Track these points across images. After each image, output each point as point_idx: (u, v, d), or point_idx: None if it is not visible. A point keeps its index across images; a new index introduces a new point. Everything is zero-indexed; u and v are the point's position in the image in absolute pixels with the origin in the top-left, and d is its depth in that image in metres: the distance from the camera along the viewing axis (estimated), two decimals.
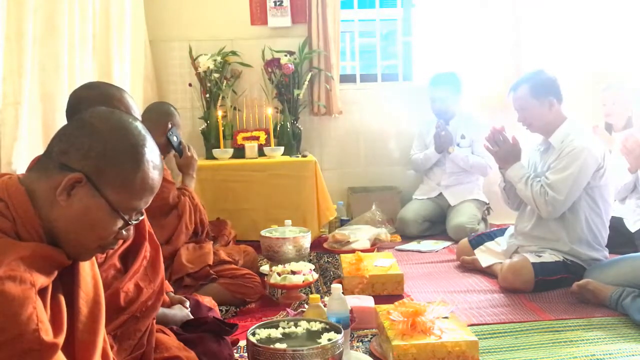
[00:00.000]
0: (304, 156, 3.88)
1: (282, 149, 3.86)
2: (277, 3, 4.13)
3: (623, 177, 2.99)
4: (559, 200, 2.62)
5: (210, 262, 2.60)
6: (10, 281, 0.95)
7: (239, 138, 3.98)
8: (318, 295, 1.90)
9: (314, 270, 2.67)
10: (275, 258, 2.81)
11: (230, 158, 3.87)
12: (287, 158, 3.84)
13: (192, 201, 2.73)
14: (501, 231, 3.10)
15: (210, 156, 3.93)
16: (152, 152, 1.14)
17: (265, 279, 2.68)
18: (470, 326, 2.09)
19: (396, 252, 3.44)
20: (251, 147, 3.87)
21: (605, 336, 2.12)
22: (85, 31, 2.93)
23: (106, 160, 1.08)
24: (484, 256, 2.99)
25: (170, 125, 2.77)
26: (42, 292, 1.00)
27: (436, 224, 3.98)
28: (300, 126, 4.08)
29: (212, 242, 2.82)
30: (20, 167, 2.27)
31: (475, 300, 2.57)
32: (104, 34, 3.19)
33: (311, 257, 3.29)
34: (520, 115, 2.79)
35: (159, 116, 2.78)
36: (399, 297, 2.55)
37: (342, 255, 2.97)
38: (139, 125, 1.15)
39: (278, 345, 1.56)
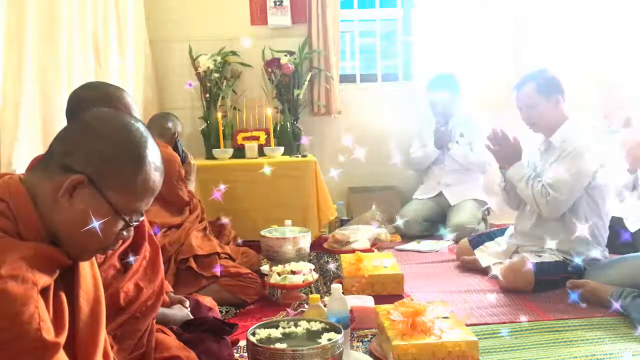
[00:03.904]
0: (304, 156, 3.88)
1: (282, 149, 3.86)
2: (277, 3, 4.14)
3: (623, 177, 3.00)
4: (561, 200, 2.62)
5: (219, 251, 2.70)
6: (13, 280, 0.95)
7: (239, 138, 3.98)
8: (318, 295, 1.90)
9: (314, 270, 2.67)
10: (275, 258, 2.81)
11: (230, 158, 3.87)
12: (287, 158, 3.84)
13: (200, 203, 2.95)
14: (501, 231, 3.10)
15: (210, 156, 3.93)
16: (153, 154, 1.14)
17: (265, 279, 2.69)
18: (470, 326, 2.09)
19: (396, 252, 3.44)
20: (251, 147, 3.87)
21: (605, 336, 2.12)
22: (85, 31, 2.93)
23: (108, 162, 1.09)
24: (484, 256, 2.99)
25: (177, 135, 3.10)
26: (43, 292, 1.00)
27: (436, 223, 3.98)
28: (300, 126, 4.08)
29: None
30: (20, 167, 2.27)
31: (475, 300, 2.57)
32: (104, 34, 3.19)
33: (311, 257, 3.29)
34: (525, 113, 2.77)
35: (167, 126, 3.11)
36: (399, 297, 2.55)
37: (342, 255, 2.98)
38: (141, 127, 1.15)
39: (278, 345, 1.56)
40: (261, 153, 3.88)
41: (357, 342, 2.11)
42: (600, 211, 2.71)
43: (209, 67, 3.96)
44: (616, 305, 2.26)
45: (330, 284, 2.46)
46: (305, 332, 1.68)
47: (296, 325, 1.70)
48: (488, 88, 4.20)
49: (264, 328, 1.68)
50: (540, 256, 2.69)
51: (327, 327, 1.69)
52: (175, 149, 3.02)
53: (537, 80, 2.73)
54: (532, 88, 2.73)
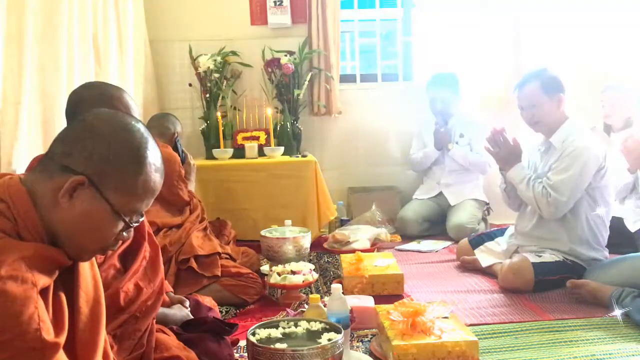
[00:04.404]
0: (304, 156, 3.88)
1: (282, 149, 3.86)
2: (277, 3, 4.13)
3: (623, 177, 3.00)
4: (562, 201, 2.62)
5: (220, 251, 2.70)
6: (12, 281, 0.95)
7: (239, 138, 3.98)
8: (318, 295, 1.90)
9: (314, 270, 2.67)
10: (275, 258, 2.81)
11: (230, 158, 3.87)
12: (287, 158, 3.84)
13: (200, 203, 2.93)
14: (501, 231, 3.10)
15: (210, 156, 3.93)
16: (154, 155, 1.14)
17: (265, 279, 2.69)
18: (470, 326, 2.09)
19: (396, 252, 3.44)
20: (251, 147, 3.87)
21: (605, 336, 2.12)
22: (85, 31, 2.93)
23: (109, 163, 1.08)
24: (484, 256, 2.99)
25: (176, 135, 3.09)
26: (43, 292, 1.00)
27: (436, 223, 3.98)
28: (300, 126, 4.08)
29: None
30: (20, 167, 2.28)
31: (475, 300, 2.57)
32: (104, 34, 3.19)
33: (311, 257, 3.29)
34: (528, 112, 2.75)
35: (167, 126, 3.11)
36: (399, 297, 2.55)
37: (342, 255, 2.98)
38: (142, 128, 1.15)
39: (278, 345, 1.56)
40: (261, 153, 3.88)
41: (357, 342, 2.11)
42: (600, 211, 2.71)
43: (209, 67, 3.96)
44: (615, 311, 2.26)
45: (330, 284, 2.46)
46: (305, 332, 1.68)
47: (296, 325, 1.70)
48: (488, 88, 4.21)
49: (264, 328, 1.68)
50: (540, 256, 2.69)
51: (327, 327, 1.69)
52: (175, 149, 3.02)
53: (541, 79, 2.71)
54: (537, 86, 2.71)
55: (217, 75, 3.99)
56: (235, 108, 4.14)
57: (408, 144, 4.24)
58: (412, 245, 3.64)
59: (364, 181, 4.35)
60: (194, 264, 2.57)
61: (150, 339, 1.53)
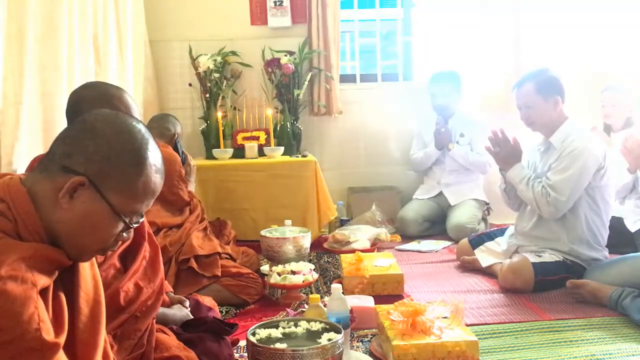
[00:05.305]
0: (304, 156, 3.88)
1: (282, 149, 3.86)
2: (277, 3, 4.14)
3: (623, 177, 3.00)
4: (561, 200, 2.62)
5: (220, 251, 2.70)
6: (12, 281, 0.95)
7: (239, 138, 3.98)
8: (318, 295, 1.90)
9: (314, 270, 2.67)
10: (275, 258, 2.82)
11: (230, 158, 3.87)
12: (287, 158, 3.84)
13: (200, 203, 2.93)
14: (501, 231, 3.10)
15: (210, 156, 3.94)
16: (154, 156, 1.14)
17: (265, 279, 2.69)
18: (470, 326, 2.09)
19: (396, 252, 3.44)
20: (251, 147, 3.87)
21: (605, 336, 2.13)
22: (85, 31, 2.93)
23: (110, 164, 1.08)
24: (484, 256, 2.99)
25: (177, 136, 3.11)
26: (43, 292, 1.00)
27: (436, 223, 3.98)
28: (300, 126, 4.08)
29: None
30: (20, 167, 2.28)
31: (475, 300, 2.57)
32: (104, 34, 3.19)
33: (311, 257, 3.29)
34: (523, 112, 2.77)
35: (167, 126, 3.12)
36: (399, 297, 2.55)
37: (342, 255, 2.98)
38: (142, 129, 1.15)
39: (278, 345, 1.56)
40: (261, 153, 3.88)
41: (357, 342, 2.11)
42: (600, 211, 2.71)
43: (209, 67, 3.96)
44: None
45: (330, 284, 2.46)
46: (305, 332, 1.68)
47: (296, 325, 1.71)
48: (488, 88, 4.21)
49: (264, 328, 1.68)
50: (540, 256, 2.69)
51: (327, 327, 1.69)
52: (175, 149, 3.02)
53: (537, 80, 2.73)
54: (531, 88, 2.72)
55: (217, 75, 3.99)
56: (235, 108, 4.14)
57: (408, 144, 4.24)
58: (412, 245, 3.64)
59: (364, 181, 4.35)
60: (194, 264, 2.57)
61: (150, 338, 1.53)
